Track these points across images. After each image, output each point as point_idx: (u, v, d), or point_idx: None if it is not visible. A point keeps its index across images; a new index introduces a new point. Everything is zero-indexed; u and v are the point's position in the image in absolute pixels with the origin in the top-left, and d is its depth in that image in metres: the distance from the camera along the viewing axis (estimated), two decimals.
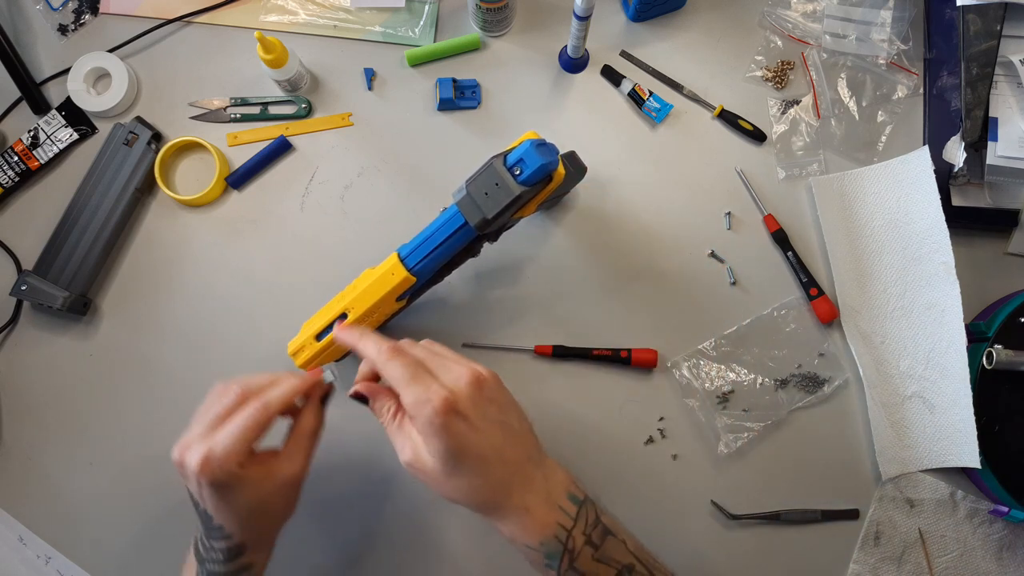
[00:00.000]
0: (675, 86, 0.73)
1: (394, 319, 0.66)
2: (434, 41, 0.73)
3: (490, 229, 0.55)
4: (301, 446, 0.52)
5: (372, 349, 0.51)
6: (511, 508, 0.48)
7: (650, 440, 0.67)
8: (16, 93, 0.71)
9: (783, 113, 0.72)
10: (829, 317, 0.68)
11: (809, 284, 0.68)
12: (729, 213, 0.70)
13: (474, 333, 0.68)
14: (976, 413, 0.61)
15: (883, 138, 0.71)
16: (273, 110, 0.72)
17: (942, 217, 0.65)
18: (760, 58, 0.73)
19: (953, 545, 0.65)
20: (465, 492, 0.48)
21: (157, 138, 0.71)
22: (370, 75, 0.72)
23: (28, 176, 0.71)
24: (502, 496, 0.48)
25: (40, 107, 0.72)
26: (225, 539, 0.51)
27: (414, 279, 0.57)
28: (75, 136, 0.71)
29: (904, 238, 0.67)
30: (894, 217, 0.68)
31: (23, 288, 0.67)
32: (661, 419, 0.67)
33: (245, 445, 0.48)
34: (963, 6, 0.65)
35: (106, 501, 0.67)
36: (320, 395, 0.55)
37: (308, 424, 0.53)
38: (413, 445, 0.48)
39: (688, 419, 0.67)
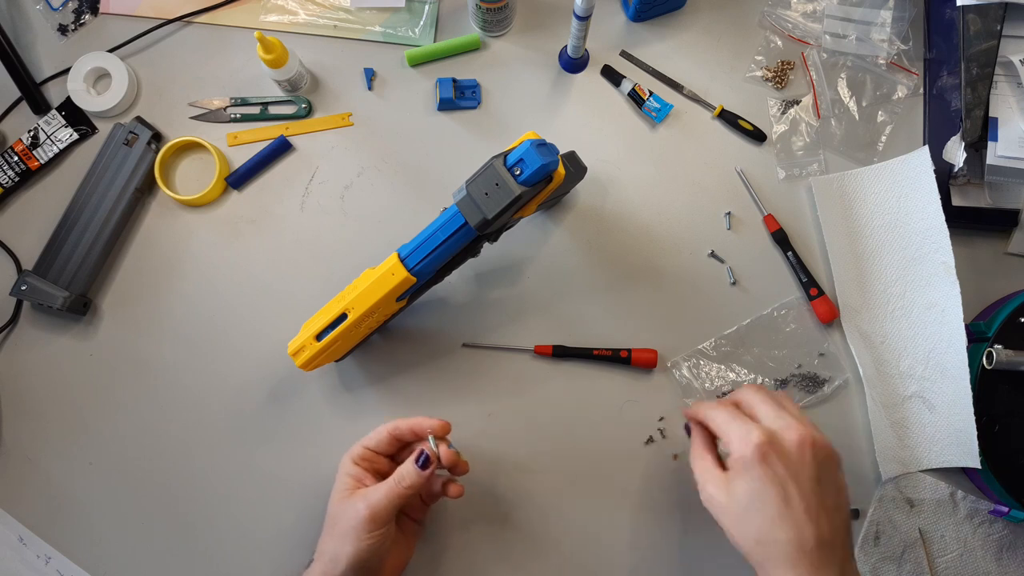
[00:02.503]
0: (675, 86, 0.73)
1: (394, 319, 0.66)
2: (434, 41, 0.73)
3: (490, 229, 0.55)
4: (380, 486, 0.56)
5: (704, 405, 0.55)
6: None
7: (650, 440, 0.67)
8: (16, 93, 0.71)
9: (783, 113, 0.72)
10: (829, 317, 0.68)
11: (809, 284, 0.68)
12: (729, 213, 0.70)
13: (474, 333, 0.69)
14: (976, 413, 0.61)
15: (883, 138, 0.71)
16: (273, 110, 0.72)
17: (942, 217, 0.65)
18: (760, 58, 0.73)
19: (953, 545, 0.65)
20: (749, 538, 0.49)
21: (157, 138, 0.71)
22: (370, 75, 0.72)
23: (28, 176, 0.71)
24: (768, 562, 0.48)
25: (40, 107, 0.72)
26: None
27: (414, 279, 0.57)
28: (75, 136, 0.71)
29: (904, 238, 0.67)
30: (894, 217, 0.68)
31: (23, 288, 0.67)
32: (661, 419, 0.67)
33: (364, 442, 0.59)
34: (963, 6, 0.65)
35: (106, 501, 0.67)
36: (418, 452, 0.56)
37: (398, 470, 0.56)
38: (716, 480, 0.52)
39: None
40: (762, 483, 0.49)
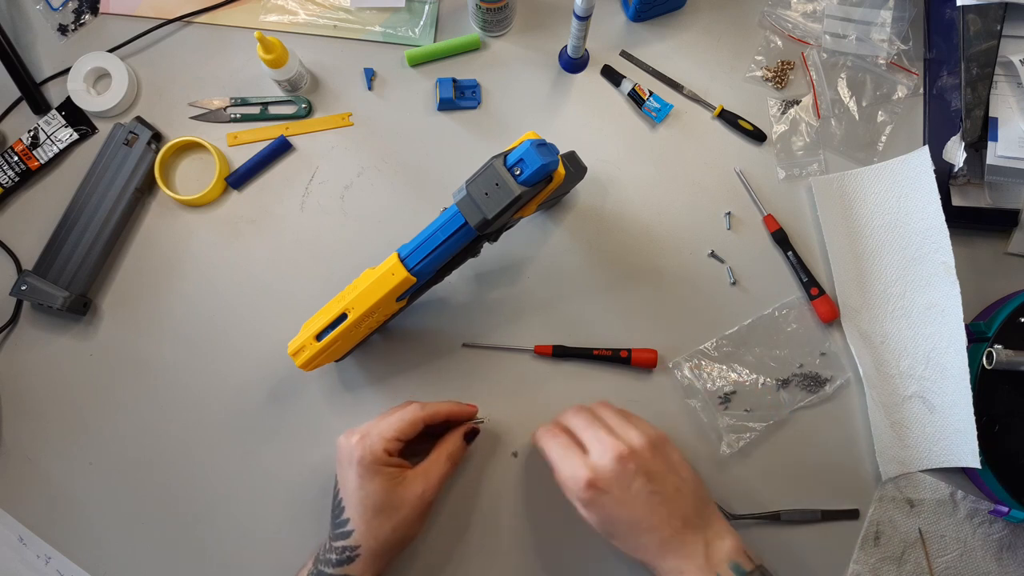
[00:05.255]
0: (675, 86, 0.73)
1: (394, 319, 0.66)
2: (434, 41, 0.73)
3: (490, 229, 0.55)
4: (436, 465, 0.59)
5: (539, 433, 0.58)
6: (666, 570, 0.53)
7: None
8: (16, 93, 0.71)
9: (783, 113, 0.72)
10: (830, 317, 0.68)
11: (810, 284, 0.68)
12: (729, 213, 0.70)
13: (474, 333, 0.69)
14: (976, 413, 0.61)
15: (883, 138, 0.71)
16: (273, 110, 0.72)
17: (942, 217, 0.65)
18: (760, 58, 0.73)
19: (953, 545, 0.65)
20: (624, 551, 0.54)
21: (157, 138, 0.71)
22: (370, 75, 0.72)
23: (28, 176, 0.71)
24: (655, 558, 0.53)
25: (40, 107, 0.72)
26: (344, 537, 0.56)
27: (414, 279, 0.57)
28: (75, 136, 0.71)
29: (904, 238, 0.67)
30: (894, 217, 0.68)
31: (23, 288, 0.67)
32: (661, 419, 0.67)
33: (395, 434, 0.57)
34: (963, 6, 0.65)
35: (106, 501, 0.67)
36: (467, 429, 0.63)
37: (447, 447, 0.60)
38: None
39: (688, 419, 0.67)
40: (601, 514, 0.53)
